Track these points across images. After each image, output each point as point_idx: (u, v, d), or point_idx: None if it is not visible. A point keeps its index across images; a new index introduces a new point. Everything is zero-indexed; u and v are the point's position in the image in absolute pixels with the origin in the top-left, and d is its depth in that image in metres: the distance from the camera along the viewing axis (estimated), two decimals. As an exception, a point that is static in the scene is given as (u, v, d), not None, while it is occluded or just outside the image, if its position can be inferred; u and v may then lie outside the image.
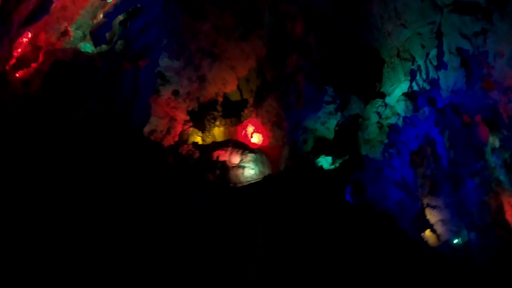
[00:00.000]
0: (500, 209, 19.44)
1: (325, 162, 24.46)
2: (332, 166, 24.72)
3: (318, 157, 24.47)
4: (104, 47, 15.36)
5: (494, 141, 18.95)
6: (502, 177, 19.20)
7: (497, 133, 18.64)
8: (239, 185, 20.06)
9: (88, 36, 14.91)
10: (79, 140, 11.57)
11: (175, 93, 19.78)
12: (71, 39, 14.63)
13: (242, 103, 22.53)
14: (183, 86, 19.88)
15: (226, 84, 19.69)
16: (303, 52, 20.98)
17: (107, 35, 15.49)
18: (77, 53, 14.77)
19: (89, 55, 15.09)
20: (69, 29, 14.56)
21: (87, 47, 15.13)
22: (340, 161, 24.68)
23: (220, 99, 21.29)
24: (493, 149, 18.97)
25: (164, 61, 18.28)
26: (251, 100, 22.70)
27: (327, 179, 23.89)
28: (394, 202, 23.26)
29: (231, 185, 19.92)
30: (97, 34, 14.82)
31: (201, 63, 18.92)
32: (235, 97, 21.65)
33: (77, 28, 14.62)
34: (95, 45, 15.10)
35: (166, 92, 19.73)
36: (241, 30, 18.35)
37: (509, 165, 19.03)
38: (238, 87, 21.02)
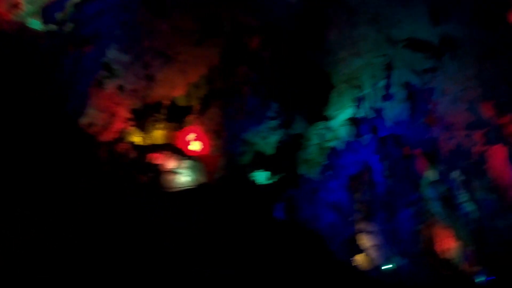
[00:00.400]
0: (431, 239, 20.34)
1: (261, 176, 24.07)
2: (268, 182, 24.39)
3: (254, 171, 24.02)
4: (52, 26, 13.86)
5: (431, 174, 19.72)
6: (436, 209, 20.14)
7: (436, 167, 19.46)
8: (172, 190, 19.33)
9: (39, 13, 13.41)
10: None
11: (120, 88, 18.33)
12: (22, 12, 13.04)
13: (188, 109, 21.59)
14: (129, 82, 18.48)
15: (175, 87, 18.65)
16: (254, 65, 20.39)
17: (58, 15, 14.04)
18: (24, 28, 13.26)
19: (36, 32, 13.61)
20: (21, 1, 13.04)
21: (36, 23, 13.62)
22: (276, 177, 24.41)
23: (167, 102, 20.20)
24: (430, 183, 19.74)
25: (112, 53, 16.79)
26: (196, 107, 21.84)
27: (260, 193, 23.54)
28: (326, 223, 23.41)
29: (164, 189, 19.15)
30: (48, 12, 13.48)
31: (151, 62, 17.70)
32: (182, 102, 20.63)
33: (29, 3, 13.06)
34: (44, 23, 13.63)
35: (110, 86, 18.26)
36: (198, 36, 17.34)
37: (444, 200, 20.03)
38: (186, 93, 20.03)
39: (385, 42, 16.91)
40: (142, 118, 20.93)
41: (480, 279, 21.60)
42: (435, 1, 14.15)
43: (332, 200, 23.44)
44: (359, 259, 21.98)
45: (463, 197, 19.47)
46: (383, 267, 20.90)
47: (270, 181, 24.52)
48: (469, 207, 19.01)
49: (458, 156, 17.79)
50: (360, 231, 21.92)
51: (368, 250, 21.50)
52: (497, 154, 16.49)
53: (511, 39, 13.77)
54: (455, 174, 18.73)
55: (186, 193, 17.70)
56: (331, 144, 23.17)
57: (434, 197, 20.10)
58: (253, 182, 23.69)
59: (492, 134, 16.36)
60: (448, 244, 21.65)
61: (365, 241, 21.64)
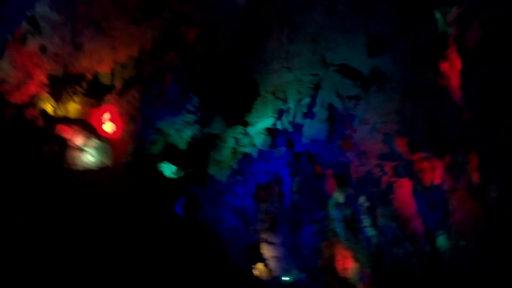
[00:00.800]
0: (332, 257, 21.13)
1: (168, 169, 23.10)
2: (174, 176, 23.53)
3: (162, 162, 23.01)
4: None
5: (339, 196, 20.43)
6: (339, 230, 20.99)
7: (344, 190, 20.22)
8: (73, 167, 17.90)
9: None
10: None
11: (43, 48, 16.29)
12: None
13: (109, 88, 20.06)
14: (54, 44, 16.45)
15: (101, 63, 17.02)
16: (184, 55, 19.38)
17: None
18: None
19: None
20: None
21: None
22: (183, 173, 23.61)
23: (89, 76, 18.48)
24: (337, 204, 20.45)
25: (42, 8, 14.72)
26: (118, 87, 20.41)
27: (164, 187, 22.73)
28: (228, 227, 23.17)
29: (65, 165, 17.77)
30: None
31: (83, 30, 15.88)
32: (105, 79, 19.04)
33: None
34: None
35: (32, 43, 16.18)
36: (138, 15, 15.91)
37: (348, 222, 20.96)
38: (111, 71, 18.51)
39: (319, 62, 17.04)
40: (60, 87, 18.92)
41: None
42: (374, 34, 14.45)
43: (237, 206, 23.25)
44: (259, 268, 22.08)
45: (366, 221, 20.55)
46: (281, 279, 21.24)
47: (176, 176, 23.57)
48: (370, 232, 20.15)
49: (367, 183, 18.65)
50: (262, 241, 22.00)
51: (268, 261, 21.69)
52: (403, 187, 17.59)
53: (436, 85, 14.59)
54: (362, 199, 19.67)
55: (87, 173, 15.99)
56: (246, 149, 22.92)
57: (338, 218, 20.99)
58: (160, 173, 22.60)
59: (401, 168, 17.38)
60: (347, 264, 22.81)
61: (266, 251, 21.81)
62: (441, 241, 17.96)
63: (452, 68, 13.97)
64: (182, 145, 22.65)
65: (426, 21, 13.74)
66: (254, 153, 22.68)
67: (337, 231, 21.30)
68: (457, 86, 14.55)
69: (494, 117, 14.23)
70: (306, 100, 19.60)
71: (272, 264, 21.66)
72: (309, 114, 19.89)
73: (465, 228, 16.89)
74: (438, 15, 13.44)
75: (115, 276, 9.05)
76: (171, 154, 22.98)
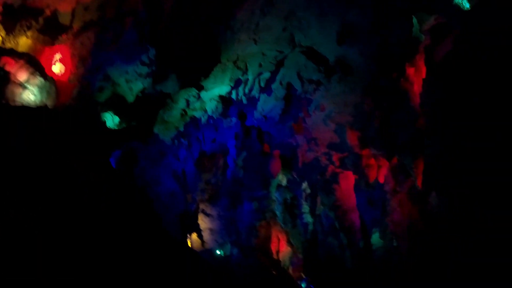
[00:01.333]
0: (267, 237, 21.03)
1: (110, 119, 21.85)
2: (116, 127, 22.30)
3: (106, 112, 21.71)
4: None
5: (282, 179, 20.16)
6: (278, 212, 20.86)
7: (288, 173, 19.96)
8: (12, 103, 16.65)
9: None
10: None
11: None
12: None
13: (66, 27, 18.63)
14: None
15: (64, 1, 15.59)
16: (150, 3, 18.10)
17: None
18: None
19: None
20: None
21: None
22: (125, 125, 22.40)
23: (48, 13, 17.02)
24: (279, 186, 20.20)
25: None
26: (75, 28, 18.98)
27: (104, 137, 21.47)
28: (167, 191, 22.40)
29: (3, 101, 16.90)
30: None
31: None
32: (64, 19, 17.57)
33: None
34: None
35: None
36: None
37: (288, 205, 20.84)
38: (73, 11, 17.05)
39: (287, 40, 16.35)
40: (14, 19, 17.38)
41: (303, 285, 23.46)
42: (348, 24, 13.87)
43: (178, 170, 22.33)
44: (192, 239, 21.70)
45: (305, 208, 20.53)
46: (214, 252, 21.00)
47: (118, 128, 22.31)
48: (308, 218, 20.19)
49: (312, 170, 18.47)
50: (200, 211, 21.52)
51: (203, 232, 21.29)
52: (347, 179, 17.57)
53: (398, 87, 14.35)
54: (304, 185, 19.56)
55: (25, 110, 15.29)
56: (195, 114, 21.97)
57: (279, 200, 20.84)
58: (102, 123, 21.29)
59: (349, 160, 17.29)
60: (281, 247, 22.88)
61: (202, 222, 21.37)
62: (375, 238, 18.28)
63: (417, 74, 13.79)
64: (130, 97, 21.37)
65: (402, 22, 13.32)
66: (204, 119, 21.78)
67: (276, 213, 21.23)
68: (418, 92, 14.47)
69: (447, 128, 14.29)
70: (266, 75, 18.87)
71: (206, 236, 21.29)
72: (266, 89, 19.21)
73: (400, 230, 17.24)
74: (415, 21, 13.06)
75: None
76: (117, 105, 21.66)
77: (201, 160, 21.85)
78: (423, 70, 13.38)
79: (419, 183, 14.77)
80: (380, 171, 16.80)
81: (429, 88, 13.66)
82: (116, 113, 21.68)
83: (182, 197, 21.18)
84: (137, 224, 13.91)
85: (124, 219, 12.40)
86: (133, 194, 17.23)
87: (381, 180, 16.74)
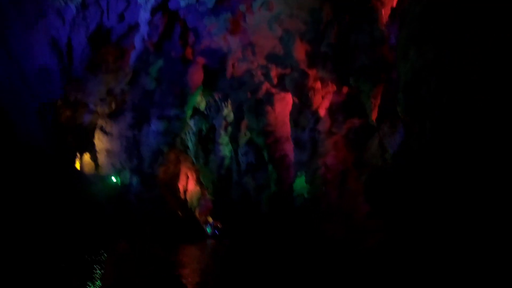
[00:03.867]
0: (175, 172, 15.82)
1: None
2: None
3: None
4: None
5: (201, 101, 14.92)
6: (190, 144, 15.72)
7: (208, 95, 14.69)
8: None
9: None
10: None
11: None
12: None
13: None
14: None
15: None
16: None
17: None
18: None
19: None
20: None
21: None
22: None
23: None
24: (196, 111, 14.88)
25: None
26: None
27: None
28: (36, 67, 14.55)
29: None
30: None
31: None
32: None
33: None
34: None
35: None
36: None
37: (202, 137, 15.77)
38: None
39: None
40: None
41: (209, 230, 18.75)
42: None
43: (61, 39, 14.56)
44: (84, 160, 15.71)
45: (223, 139, 15.62)
46: (110, 179, 15.24)
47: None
48: (225, 151, 15.30)
49: (241, 87, 13.45)
50: (98, 128, 15.56)
51: (98, 153, 15.45)
52: (284, 103, 12.86)
53: (368, 2, 9.66)
54: (226, 111, 14.53)
55: None
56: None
57: (193, 130, 15.74)
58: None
59: (290, 80, 12.52)
60: (190, 186, 17.89)
61: (99, 141, 15.49)
62: (300, 183, 13.86)
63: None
64: None
65: None
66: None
67: (188, 144, 16.15)
68: (389, 14, 10.12)
69: (418, 58, 9.98)
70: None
71: (102, 158, 15.57)
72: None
73: (331, 176, 12.99)
74: None
75: None
76: None
77: (100, 45, 14.57)
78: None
79: (374, 117, 10.36)
80: (323, 101, 12.28)
81: (402, 11, 9.25)
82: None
83: (56, 78, 13.56)
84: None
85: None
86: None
87: (322, 112, 12.19)
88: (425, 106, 8.95)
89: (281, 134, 12.60)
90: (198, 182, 18.89)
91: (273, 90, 12.47)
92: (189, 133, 17.03)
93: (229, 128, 15.18)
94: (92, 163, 16.13)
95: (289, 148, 12.71)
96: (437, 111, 8.42)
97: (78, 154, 15.78)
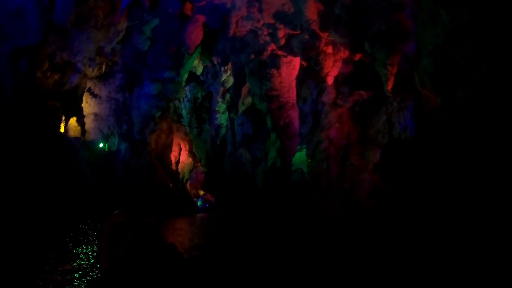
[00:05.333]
0: (167, 141, 14.18)
1: None
2: None
3: None
4: None
5: (198, 66, 13.17)
6: (184, 112, 14.01)
7: (207, 58, 12.92)
8: None
9: None
10: None
11: None
12: None
13: None
14: None
15: None
16: None
17: None
18: None
19: None
20: None
21: None
22: None
23: None
24: (192, 76, 13.14)
25: None
26: None
27: None
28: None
29: None
30: None
31: None
32: None
33: None
34: None
35: None
36: None
37: (197, 106, 14.06)
38: None
39: None
40: None
41: (199, 203, 17.31)
42: None
43: None
44: (70, 124, 13.91)
45: (220, 106, 13.97)
46: (97, 145, 13.52)
47: None
48: (221, 119, 13.69)
49: (244, 48, 11.69)
50: (86, 90, 13.76)
51: (85, 117, 13.70)
52: (291, 67, 11.23)
53: None
54: (225, 76, 12.86)
55: None
56: None
57: (188, 96, 14.02)
58: None
59: (298, 41, 10.85)
60: (182, 157, 16.29)
61: (87, 104, 13.73)
62: (299, 156, 12.41)
63: None
64: None
65: None
66: None
67: (181, 112, 14.48)
68: None
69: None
70: None
71: (89, 123, 13.81)
72: None
73: (334, 150, 11.57)
74: None
75: None
76: None
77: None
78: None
79: (389, 86, 8.85)
80: (333, 68, 10.64)
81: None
82: None
83: (34, 19, 11.41)
84: None
85: None
86: None
87: (330, 81, 10.59)
88: (457, 73, 7.50)
89: (287, 99, 11.07)
90: (191, 153, 17.34)
91: (279, 52, 10.87)
92: (183, 100, 15.37)
93: (227, 95, 13.57)
94: (78, 128, 14.39)
95: (294, 115, 11.20)
96: (475, 77, 6.96)
97: (63, 118, 13.99)
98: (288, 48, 10.58)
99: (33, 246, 6.80)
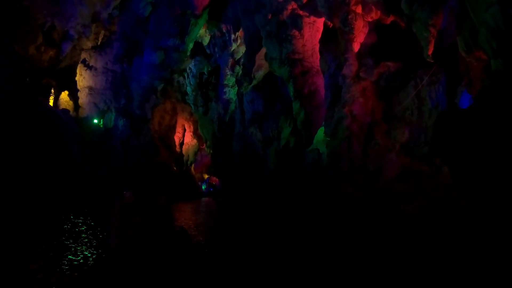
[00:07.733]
0: (171, 121, 12.19)
1: None
2: None
3: None
4: None
5: (204, 36, 11.17)
6: (189, 89, 12.08)
7: (214, 27, 10.93)
8: None
9: None
10: None
11: None
12: None
13: None
14: None
15: None
16: None
17: None
18: None
19: None
20: None
21: None
22: None
23: None
24: (197, 49, 11.15)
25: None
26: None
27: None
28: None
29: None
30: None
31: None
32: None
33: None
34: None
35: None
36: None
37: (203, 82, 12.08)
38: None
39: None
40: None
41: (203, 187, 15.45)
42: None
43: None
44: (62, 99, 11.86)
45: (229, 80, 11.98)
46: (91, 121, 11.49)
47: None
48: (230, 94, 11.72)
49: (258, 9, 9.63)
50: (80, 61, 11.70)
51: (80, 92, 11.66)
52: (314, 28, 9.26)
53: None
54: (234, 46, 10.83)
55: None
56: None
57: (193, 71, 12.02)
58: None
59: (321, 0, 8.74)
60: (186, 138, 14.37)
61: (81, 77, 11.67)
62: (318, 135, 10.51)
63: None
64: None
65: None
66: None
67: (186, 89, 12.51)
68: None
69: None
70: None
71: (83, 97, 11.78)
72: None
73: (357, 127, 9.71)
74: None
75: None
76: None
77: None
78: None
79: (430, 51, 6.93)
80: (359, 34, 8.62)
81: None
82: None
83: None
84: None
85: None
86: None
87: (356, 47, 8.60)
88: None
89: (312, 64, 9.15)
90: (196, 134, 15.43)
91: (301, 12, 8.90)
92: (188, 76, 13.36)
93: (237, 67, 11.60)
94: (71, 103, 12.38)
95: (320, 83, 9.29)
96: None
97: (52, 90, 11.97)
98: (311, 8, 8.59)
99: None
